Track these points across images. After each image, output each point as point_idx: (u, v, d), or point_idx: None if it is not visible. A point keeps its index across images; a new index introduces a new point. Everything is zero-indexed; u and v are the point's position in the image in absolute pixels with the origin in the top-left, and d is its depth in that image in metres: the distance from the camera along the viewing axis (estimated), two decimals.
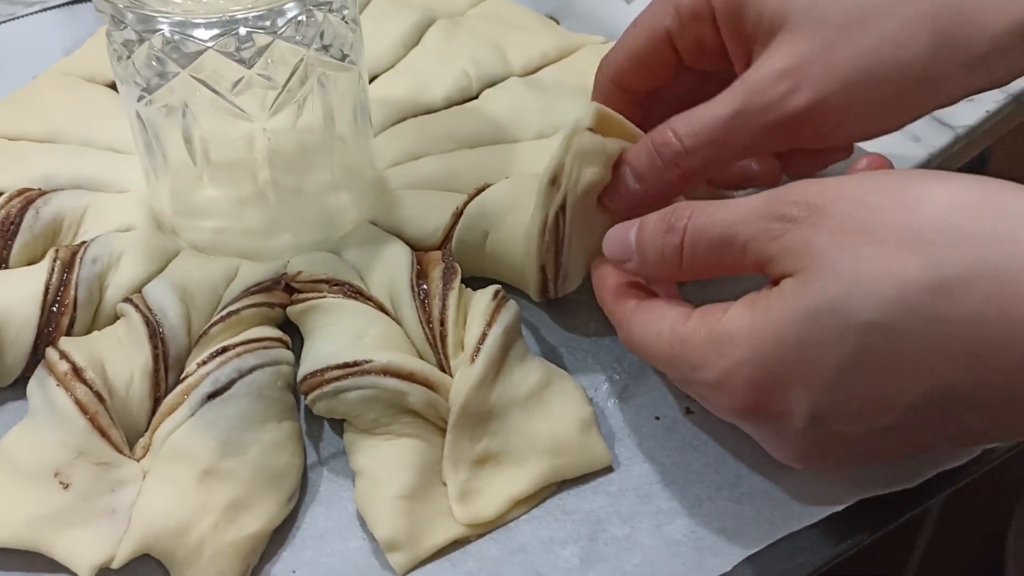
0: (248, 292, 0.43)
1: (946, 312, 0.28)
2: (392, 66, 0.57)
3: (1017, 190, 0.29)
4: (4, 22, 0.64)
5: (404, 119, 0.54)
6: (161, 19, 0.39)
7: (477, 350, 0.39)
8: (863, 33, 0.36)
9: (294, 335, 0.43)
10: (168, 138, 0.44)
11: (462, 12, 0.62)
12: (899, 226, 0.29)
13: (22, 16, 0.65)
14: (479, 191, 0.46)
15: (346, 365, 0.38)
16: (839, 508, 0.36)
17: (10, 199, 0.47)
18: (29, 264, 0.46)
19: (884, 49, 0.36)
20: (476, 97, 0.55)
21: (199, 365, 0.40)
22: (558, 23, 0.62)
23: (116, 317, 0.44)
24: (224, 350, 0.40)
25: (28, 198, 0.47)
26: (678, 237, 0.34)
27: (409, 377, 0.38)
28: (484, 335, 0.39)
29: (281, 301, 0.44)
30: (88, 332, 0.43)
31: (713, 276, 0.35)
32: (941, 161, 0.54)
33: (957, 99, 0.38)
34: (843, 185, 0.31)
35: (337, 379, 0.38)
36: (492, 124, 0.52)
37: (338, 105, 0.45)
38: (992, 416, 0.30)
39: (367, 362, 0.38)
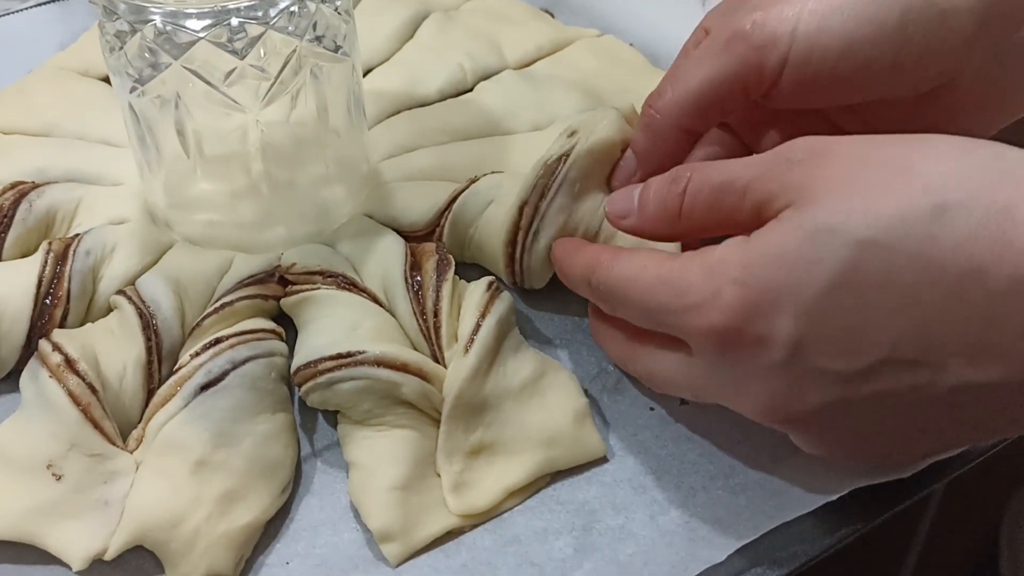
0: (242, 284, 0.43)
1: (941, 236, 0.28)
2: (386, 60, 0.57)
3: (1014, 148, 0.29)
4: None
5: (398, 112, 0.53)
6: (153, 9, 0.38)
7: (471, 341, 0.39)
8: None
9: (288, 327, 0.43)
10: (161, 131, 0.44)
11: (456, 6, 0.62)
12: (901, 157, 0.29)
13: (17, 11, 0.64)
14: (472, 182, 0.46)
15: (339, 356, 0.38)
16: (833, 498, 0.36)
17: (3, 192, 0.47)
18: (22, 257, 0.46)
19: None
20: (470, 90, 0.55)
21: (192, 356, 0.39)
22: (552, 16, 0.62)
23: (109, 309, 0.44)
24: (217, 341, 0.40)
25: (21, 191, 0.47)
26: (681, 185, 0.35)
27: (403, 368, 0.38)
28: (478, 326, 0.39)
29: (275, 293, 0.44)
30: (82, 324, 0.43)
31: (711, 232, 0.35)
32: None
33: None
34: (846, 137, 0.31)
35: (330, 370, 0.38)
36: (486, 116, 0.52)
37: (332, 97, 0.45)
38: (973, 361, 0.29)
39: (360, 353, 0.38)
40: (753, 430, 0.39)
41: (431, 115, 0.53)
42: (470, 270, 0.46)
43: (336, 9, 0.43)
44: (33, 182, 0.48)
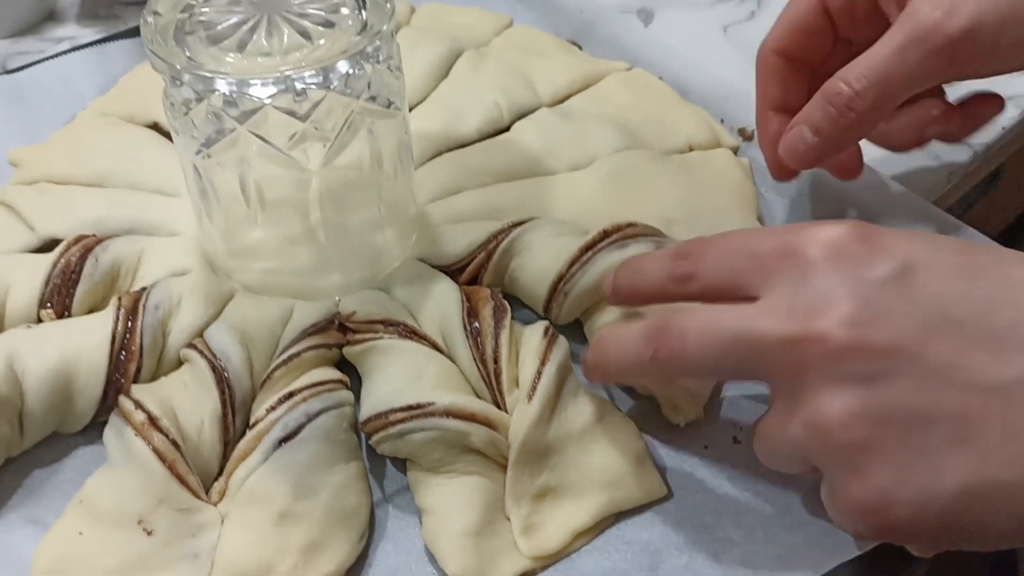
0: (305, 334, 0.45)
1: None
2: (423, 99, 0.59)
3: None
4: (37, 63, 0.65)
5: (440, 153, 0.55)
6: (219, 80, 0.40)
7: (533, 388, 0.41)
8: None
9: (350, 372, 0.45)
10: (222, 184, 0.45)
11: (487, 41, 0.64)
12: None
13: (54, 56, 0.66)
14: (513, 225, 0.48)
15: (409, 408, 0.40)
16: None
17: (68, 247, 0.48)
18: (90, 310, 0.48)
19: None
20: (508, 128, 0.57)
21: (268, 411, 0.41)
22: (580, 48, 0.64)
23: (179, 361, 0.46)
24: (290, 395, 0.42)
25: (86, 246, 0.48)
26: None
27: (471, 418, 0.40)
28: (539, 373, 0.41)
29: (337, 341, 0.45)
30: (153, 376, 0.45)
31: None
32: (960, 178, 0.56)
33: None
34: None
35: (401, 421, 0.40)
36: (526, 157, 0.54)
37: (384, 147, 0.46)
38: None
39: (430, 404, 0.40)
40: None
41: (472, 156, 0.54)
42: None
43: (388, 67, 0.44)
44: (95, 235, 0.50)
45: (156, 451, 0.40)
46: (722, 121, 0.57)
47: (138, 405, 0.41)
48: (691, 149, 0.54)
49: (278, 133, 0.42)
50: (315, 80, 0.41)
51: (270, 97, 0.40)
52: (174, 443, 0.40)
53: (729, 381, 0.41)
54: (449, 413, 0.40)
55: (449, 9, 0.66)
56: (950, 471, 0.30)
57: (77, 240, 0.49)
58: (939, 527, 0.31)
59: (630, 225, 0.45)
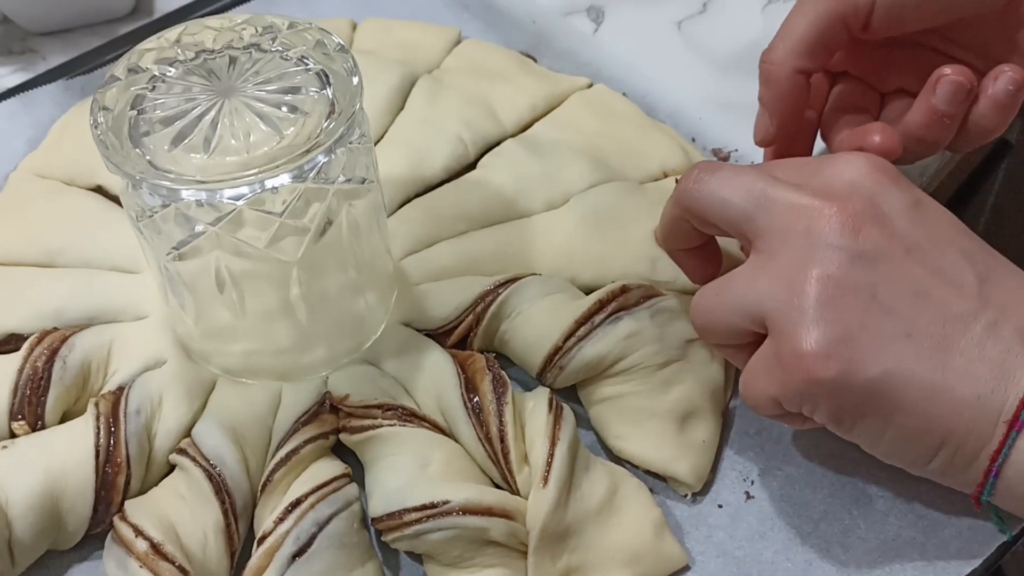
0: (298, 423, 0.44)
1: None
2: (382, 136, 0.56)
3: None
4: None
5: (408, 199, 0.53)
6: (186, 192, 0.37)
7: (547, 471, 0.40)
8: None
9: (347, 453, 0.44)
10: (192, 273, 0.43)
11: (438, 62, 0.61)
12: None
13: None
14: (504, 283, 0.46)
15: (424, 507, 0.39)
16: None
17: (31, 350, 0.46)
18: (64, 414, 0.45)
19: None
20: (474, 163, 0.55)
21: (276, 523, 0.40)
22: (536, 61, 0.62)
23: (168, 464, 0.44)
24: (297, 502, 0.40)
25: (51, 347, 0.45)
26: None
27: (487, 512, 0.39)
28: (551, 455, 0.40)
29: (332, 427, 0.44)
30: (143, 483, 0.43)
31: None
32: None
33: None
34: None
35: (417, 522, 0.39)
36: (499, 198, 0.52)
37: (361, 218, 0.44)
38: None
39: (445, 503, 0.39)
40: (821, 522, 0.41)
41: (443, 201, 0.52)
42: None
43: (359, 142, 0.42)
44: (57, 329, 0.47)
45: None
46: (693, 140, 0.56)
47: (138, 532, 0.39)
48: (665, 175, 0.53)
49: (254, 232, 0.40)
50: (289, 177, 0.38)
51: (243, 199, 0.38)
52: (182, 570, 0.39)
53: (724, 228, 0.40)
54: (465, 510, 0.39)
55: (393, 25, 0.63)
56: (886, 354, 0.35)
57: (40, 339, 0.46)
58: (855, 398, 0.35)
59: (623, 291, 0.44)
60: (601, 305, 0.44)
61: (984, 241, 0.39)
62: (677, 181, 0.42)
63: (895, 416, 0.35)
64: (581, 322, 0.43)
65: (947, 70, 0.41)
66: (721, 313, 0.39)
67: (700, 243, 0.44)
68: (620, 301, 0.44)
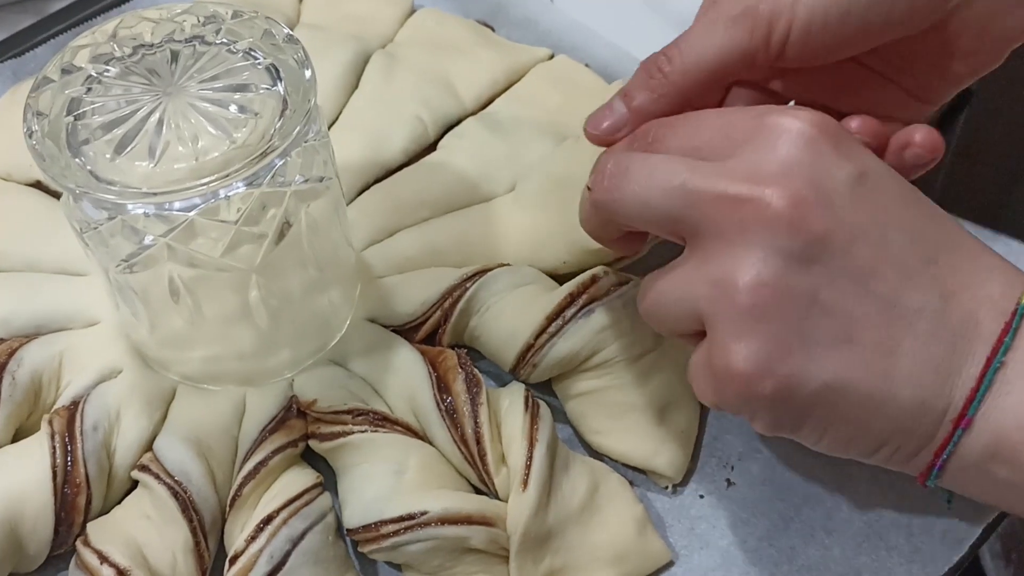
0: (265, 431, 0.42)
1: None
2: (336, 118, 0.54)
3: None
4: None
5: (367, 185, 0.51)
6: (132, 205, 0.35)
7: (526, 474, 0.39)
8: None
9: (318, 456, 0.43)
10: (145, 287, 0.41)
11: (392, 34, 0.58)
12: None
13: None
14: (472, 276, 0.45)
15: (401, 519, 0.38)
16: None
17: None
18: (15, 432, 0.43)
19: None
20: (434, 144, 0.53)
21: (248, 541, 0.38)
22: (493, 30, 0.59)
23: (130, 479, 0.42)
24: (269, 519, 0.39)
25: None
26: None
27: (467, 520, 0.38)
28: (529, 457, 0.39)
29: (301, 433, 0.43)
30: (104, 500, 0.42)
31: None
32: None
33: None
34: None
35: (394, 534, 0.38)
36: (462, 182, 0.50)
37: (320, 216, 0.42)
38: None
39: (423, 514, 0.38)
40: (803, 506, 0.41)
41: (403, 186, 0.50)
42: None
43: (315, 138, 0.40)
44: (4, 342, 0.45)
45: None
46: None
47: (103, 558, 0.38)
48: None
49: (208, 242, 0.37)
50: (243, 184, 0.36)
51: (196, 209, 0.36)
52: None
53: (654, 233, 0.37)
54: (444, 520, 0.38)
55: None
56: (826, 363, 0.32)
57: None
58: (795, 411, 0.33)
59: (594, 280, 0.43)
60: (572, 298, 0.42)
61: (936, 207, 0.35)
62: (589, 188, 0.38)
63: (834, 424, 0.33)
64: (552, 317, 0.42)
65: (916, 136, 0.38)
66: (665, 308, 0.36)
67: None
68: (591, 292, 0.42)
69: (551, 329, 0.42)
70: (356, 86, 0.55)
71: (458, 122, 0.53)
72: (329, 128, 0.53)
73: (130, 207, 0.35)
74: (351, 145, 0.52)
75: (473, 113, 0.54)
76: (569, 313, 0.42)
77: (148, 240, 0.37)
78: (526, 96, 0.54)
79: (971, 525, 0.40)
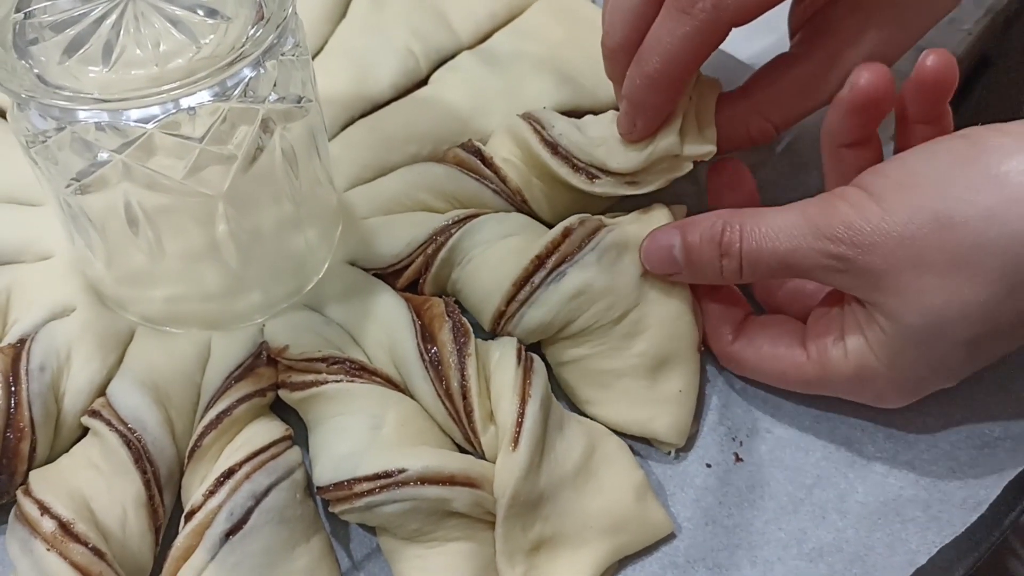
0: (231, 379, 0.38)
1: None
2: (322, 48, 0.50)
3: None
4: None
5: (352, 120, 0.47)
6: (83, 111, 0.31)
7: (517, 433, 0.35)
8: None
9: (288, 410, 0.39)
10: (99, 208, 0.37)
11: None
12: (943, 252, 0.32)
13: None
14: (461, 221, 0.41)
15: (377, 476, 0.34)
16: (922, 562, 0.35)
17: None
18: None
19: None
20: (426, 79, 0.49)
21: (206, 496, 0.35)
22: None
23: (80, 427, 0.38)
24: (230, 472, 0.35)
25: None
26: (736, 262, 0.37)
27: (449, 481, 0.34)
28: (521, 414, 0.36)
29: (270, 382, 0.39)
30: (51, 447, 0.38)
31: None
32: None
33: None
34: (875, 216, 0.34)
35: (369, 493, 0.34)
36: (453, 117, 0.46)
37: (298, 143, 0.38)
38: None
39: (401, 472, 0.34)
40: (815, 487, 0.38)
41: (391, 121, 0.46)
42: None
43: (295, 55, 0.36)
44: None
45: (76, 566, 0.33)
46: None
47: (44, 509, 0.34)
48: None
49: (169, 161, 0.33)
50: (210, 95, 0.32)
51: (151, 120, 0.32)
52: (96, 551, 0.33)
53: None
54: (424, 480, 0.34)
55: None
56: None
57: None
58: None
59: (565, 235, 0.39)
60: (540, 261, 0.38)
61: None
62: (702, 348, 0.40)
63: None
64: (520, 283, 0.38)
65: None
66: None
67: None
68: (563, 249, 0.38)
69: (520, 296, 0.38)
70: (344, 15, 0.51)
71: (452, 56, 0.49)
72: (313, 58, 0.49)
73: (81, 115, 0.31)
74: (336, 75, 0.48)
75: (469, 47, 0.50)
76: (537, 279, 0.38)
77: (102, 156, 0.33)
78: (526, 30, 0.50)
79: (991, 489, 0.37)
